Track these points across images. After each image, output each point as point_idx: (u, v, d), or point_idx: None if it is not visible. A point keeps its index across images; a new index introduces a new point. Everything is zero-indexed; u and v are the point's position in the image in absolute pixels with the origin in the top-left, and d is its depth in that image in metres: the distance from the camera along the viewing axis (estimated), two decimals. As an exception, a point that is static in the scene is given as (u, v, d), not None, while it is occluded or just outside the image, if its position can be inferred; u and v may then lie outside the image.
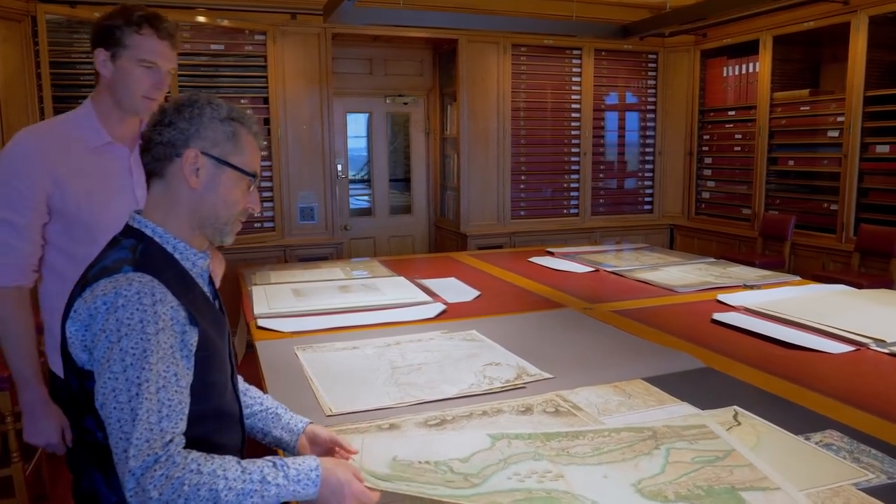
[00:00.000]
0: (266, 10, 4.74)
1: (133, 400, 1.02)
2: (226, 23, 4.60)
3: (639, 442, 1.48)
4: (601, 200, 6.06)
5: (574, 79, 5.75)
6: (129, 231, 1.19)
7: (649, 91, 6.09)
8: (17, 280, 1.61)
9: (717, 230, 5.74)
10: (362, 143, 5.99)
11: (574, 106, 5.80)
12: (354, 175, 5.99)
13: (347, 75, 5.57)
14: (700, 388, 1.84)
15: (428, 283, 3.18)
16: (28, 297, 1.64)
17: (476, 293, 2.97)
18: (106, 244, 1.19)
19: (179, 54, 4.40)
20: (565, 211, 5.91)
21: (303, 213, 5.01)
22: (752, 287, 3.13)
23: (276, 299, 2.81)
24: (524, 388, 1.85)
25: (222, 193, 1.20)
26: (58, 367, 1.58)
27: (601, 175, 6.05)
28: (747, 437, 1.53)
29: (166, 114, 1.18)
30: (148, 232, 1.17)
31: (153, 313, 1.06)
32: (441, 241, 5.99)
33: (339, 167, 5.47)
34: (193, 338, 1.13)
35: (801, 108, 5.06)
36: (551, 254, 4.13)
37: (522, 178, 5.71)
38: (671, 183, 6.18)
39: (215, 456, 1.07)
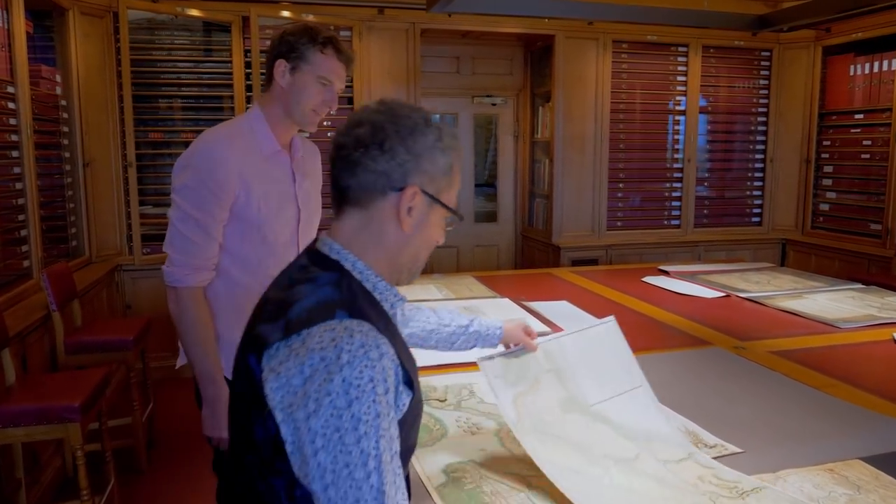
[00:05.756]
0: (352, 4, 4.46)
1: (373, 475, 0.83)
2: (311, 18, 4.34)
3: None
4: (705, 211, 5.53)
5: (679, 78, 5.25)
6: (322, 260, 1.00)
7: (761, 92, 5.52)
8: (202, 280, 1.65)
9: (839, 247, 5.12)
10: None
11: (678, 108, 5.30)
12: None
13: (433, 74, 5.23)
14: (949, 479, 1.39)
15: (537, 306, 2.80)
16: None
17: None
18: (290, 270, 1.02)
19: (261, 51, 4.20)
20: (665, 222, 5.41)
21: (387, 221, 4.70)
22: (928, 324, 2.61)
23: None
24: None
25: (427, 234, 1.04)
26: (225, 369, 1.67)
27: (706, 183, 5.52)
28: None
29: (384, 133, 0.97)
30: (348, 266, 0.99)
31: (381, 370, 0.87)
32: (529, 252, 5.59)
33: (424, 172, 5.13)
34: (405, 400, 0.95)
35: (950, 112, 4.43)
36: (666, 273, 3.67)
37: (620, 185, 5.25)
38: (784, 193, 5.58)
39: None
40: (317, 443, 0.84)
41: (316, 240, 1.05)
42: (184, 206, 1.61)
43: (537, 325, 2.46)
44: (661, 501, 1.31)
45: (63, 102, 3.82)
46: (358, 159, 0.97)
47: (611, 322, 1.65)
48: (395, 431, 0.89)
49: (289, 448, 0.87)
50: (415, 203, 0.99)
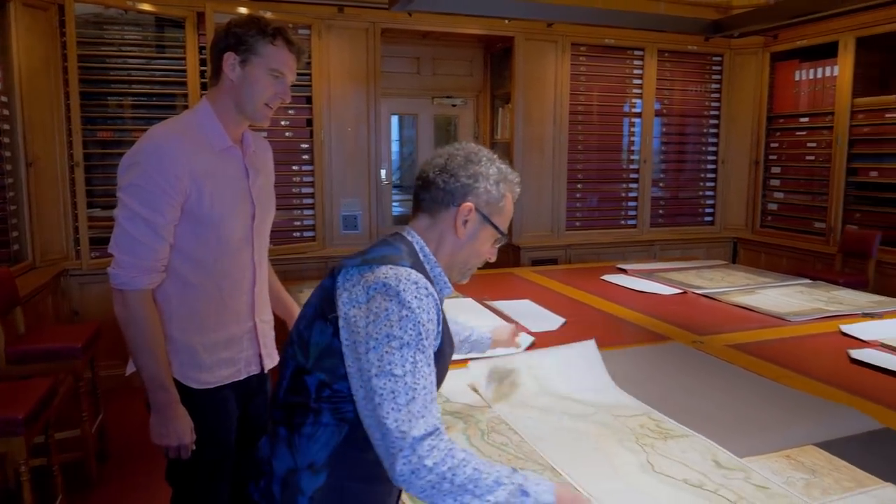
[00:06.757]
0: (311, 1, 4.40)
1: (408, 375, 1.07)
2: (269, 15, 4.26)
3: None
4: (660, 211, 5.63)
5: (635, 81, 5.35)
6: (399, 237, 1.27)
7: (713, 95, 5.67)
8: (151, 283, 1.58)
9: (786, 245, 5.28)
10: (395, 146, 5.62)
11: (634, 110, 5.40)
12: (389, 181, 5.62)
13: (393, 74, 5.21)
14: (893, 461, 1.44)
15: (501, 305, 2.80)
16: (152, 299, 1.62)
17: (561, 320, 2.58)
18: (378, 241, 1.27)
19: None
20: (622, 222, 5.50)
21: (346, 222, 4.64)
22: (871, 316, 2.71)
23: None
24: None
25: (477, 245, 1.30)
26: (177, 372, 1.64)
27: (660, 184, 5.64)
28: None
29: (455, 162, 1.27)
30: (416, 247, 1.26)
31: (426, 304, 1.13)
32: (488, 252, 5.61)
33: (383, 172, 5.09)
34: (434, 343, 1.17)
35: (887, 116, 4.61)
36: (624, 271, 3.73)
37: (578, 186, 5.31)
38: (734, 194, 5.74)
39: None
40: (370, 343, 1.09)
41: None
42: (131, 204, 1.53)
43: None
44: (590, 435, 1.56)
45: (3, 98, 3.65)
46: (433, 179, 1.26)
47: (589, 343, 2.01)
48: (431, 353, 1.12)
49: (345, 350, 1.13)
50: (470, 217, 1.26)
